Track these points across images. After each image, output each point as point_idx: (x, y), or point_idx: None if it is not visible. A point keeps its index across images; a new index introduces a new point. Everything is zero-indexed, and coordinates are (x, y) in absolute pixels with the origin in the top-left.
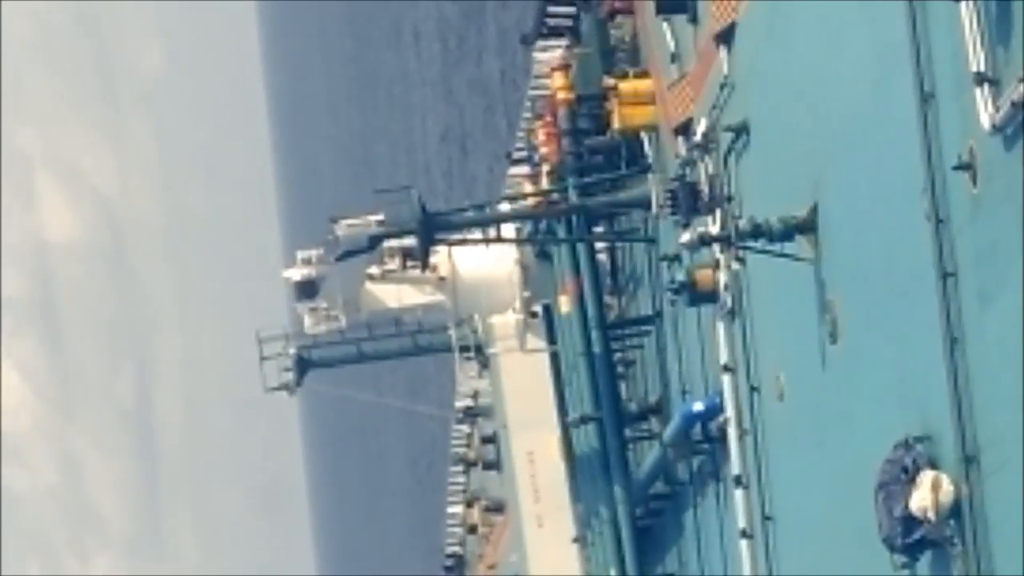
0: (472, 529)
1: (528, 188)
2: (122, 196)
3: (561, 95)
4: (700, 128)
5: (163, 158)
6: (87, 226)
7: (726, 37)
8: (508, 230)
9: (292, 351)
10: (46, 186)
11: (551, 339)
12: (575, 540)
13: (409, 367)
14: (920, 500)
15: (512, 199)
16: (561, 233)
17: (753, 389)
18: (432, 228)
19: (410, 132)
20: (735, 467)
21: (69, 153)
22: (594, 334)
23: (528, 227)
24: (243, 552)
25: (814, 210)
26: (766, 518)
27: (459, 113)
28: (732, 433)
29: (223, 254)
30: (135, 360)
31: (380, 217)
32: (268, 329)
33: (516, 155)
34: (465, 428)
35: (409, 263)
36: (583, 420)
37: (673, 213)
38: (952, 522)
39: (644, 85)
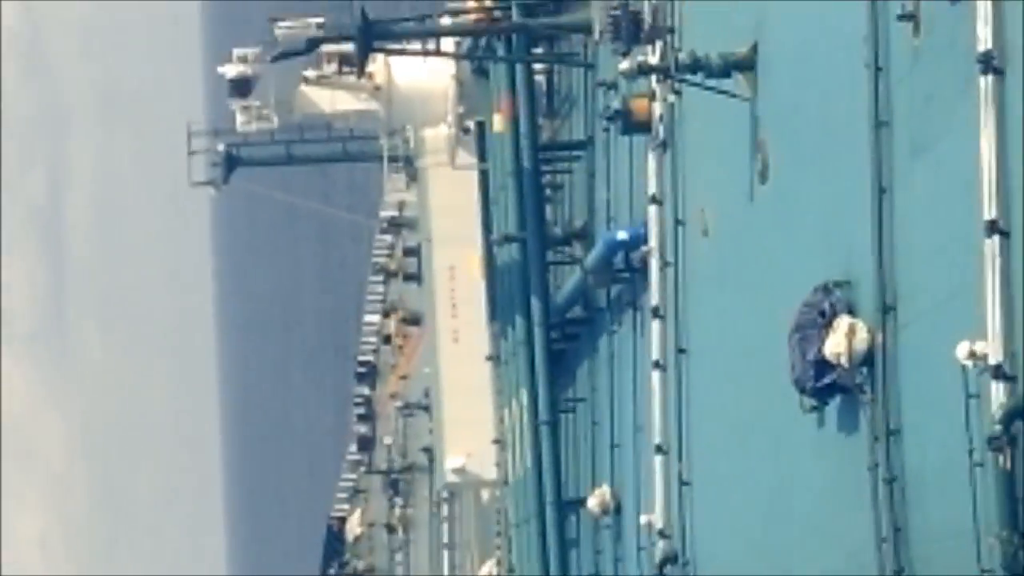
0: (387, 339)
1: (471, 3)
2: None
3: None
4: None
5: None
6: (8, 23)
7: None
8: (447, 44)
9: (221, 147)
10: None
11: (482, 156)
12: (489, 358)
13: (323, 177)
14: (835, 345)
15: (454, 13)
16: (500, 51)
17: (678, 222)
18: (371, 36)
19: None
20: (654, 298)
21: None
22: (525, 155)
23: (468, 43)
24: (146, 351)
25: (754, 48)
26: (680, 351)
27: None
28: (654, 264)
29: (142, 52)
30: (48, 156)
31: (320, 20)
32: (191, 126)
33: None
34: (388, 239)
35: (346, 69)
36: (507, 239)
37: (614, 40)
38: (864, 370)
39: None
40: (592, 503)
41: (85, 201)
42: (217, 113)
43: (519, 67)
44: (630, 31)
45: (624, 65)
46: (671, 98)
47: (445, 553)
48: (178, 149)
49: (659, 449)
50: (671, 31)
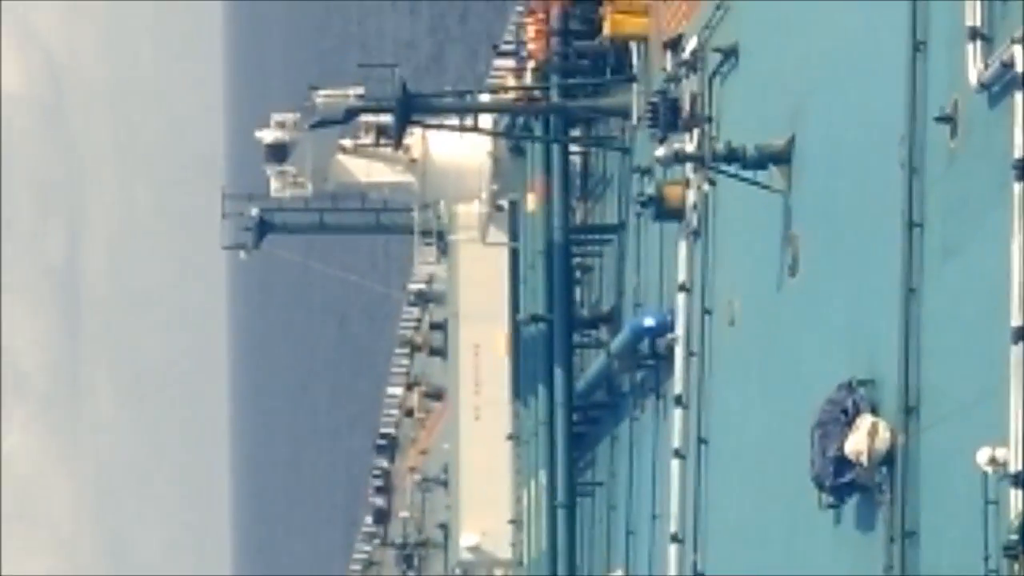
0: (409, 413)
1: (511, 82)
2: (69, 53)
3: None
4: (690, 45)
5: (112, 18)
6: (31, 79)
7: None
8: (485, 121)
9: (254, 212)
10: None
11: (513, 235)
12: (509, 437)
13: (344, 247)
14: (855, 443)
15: (493, 91)
16: (537, 131)
17: (706, 311)
18: (410, 108)
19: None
20: (677, 386)
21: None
22: (556, 235)
23: (505, 121)
24: (159, 416)
25: (791, 142)
26: (701, 440)
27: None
28: (679, 352)
29: (163, 118)
30: (67, 217)
31: (360, 91)
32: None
33: (503, 48)
34: (415, 312)
35: (383, 140)
36: (534, 319)
37: (651, 126)
38: (884, 469)
39: None
40: None
41: (101, 262)
42: (237, 176)
43: (555, 148)
44: (668, 118)
45: (660, 151)
46: (705, 187)
47: None
48: (200, 210)
49: (675, 538)
50: (709, 120)
